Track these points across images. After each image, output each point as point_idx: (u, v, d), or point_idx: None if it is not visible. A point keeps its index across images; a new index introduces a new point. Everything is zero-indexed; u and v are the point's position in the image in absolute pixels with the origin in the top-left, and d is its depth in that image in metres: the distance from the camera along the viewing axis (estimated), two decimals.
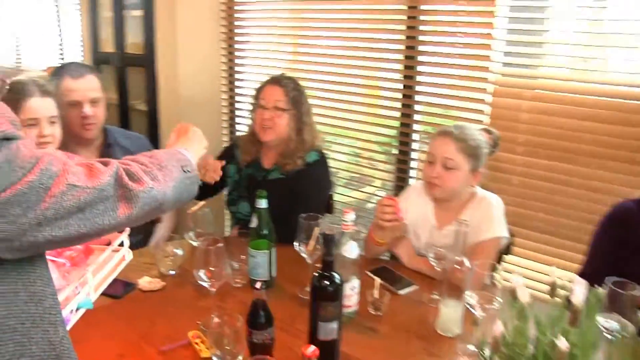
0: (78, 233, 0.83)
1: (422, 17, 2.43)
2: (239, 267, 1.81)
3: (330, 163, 2.89)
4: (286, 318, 1.52)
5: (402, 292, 1.70)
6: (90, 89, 2.11)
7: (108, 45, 3.68)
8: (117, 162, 0.93)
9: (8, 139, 0.78)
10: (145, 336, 1.47)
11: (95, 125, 2.14)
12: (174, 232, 2.30)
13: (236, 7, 3.18)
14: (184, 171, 1.05)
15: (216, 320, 1.37)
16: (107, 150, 2.24)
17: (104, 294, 1.68)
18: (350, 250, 1.48)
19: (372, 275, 1.76)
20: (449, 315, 1.46)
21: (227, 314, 1.35)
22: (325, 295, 1.24)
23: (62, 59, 4.77)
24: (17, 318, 0.85)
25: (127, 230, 1.67)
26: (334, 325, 1.26)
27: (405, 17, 2.48)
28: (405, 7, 2.45)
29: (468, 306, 1.35)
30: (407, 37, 2.50)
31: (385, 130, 2.71)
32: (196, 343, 1.41)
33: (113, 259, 1.57)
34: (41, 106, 1.79)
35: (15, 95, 1.78)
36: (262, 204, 1.71)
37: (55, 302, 0.93)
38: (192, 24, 3.15)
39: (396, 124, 2.64)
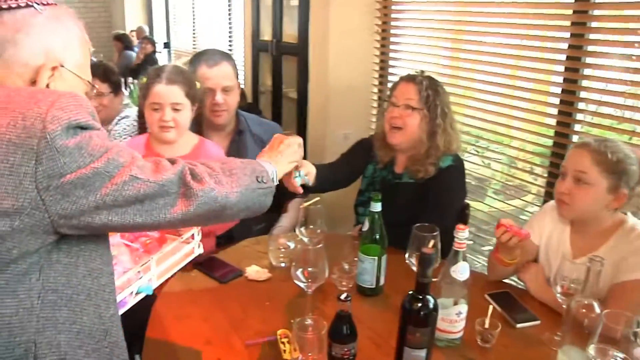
0: (133, 222, 0.90)
1: (594, 12, 2.13)
2: (349, 269, 1.73)
3: (481, 171, 2.72)
4: (383, 332, 1.41)
5: (520, 325, 1.48)
6: (223, 76, 2.17)
7: (267, 34, 3.82)
8: (184, 162, 0.99)
9: (83, 127, 0.84)
10: (236, 326, 1.46)
11: (225, 112, 2.19)
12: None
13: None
14: (258, 181, 1.12)
15: (308, 322, 1.31)
16: (239, 136, 2.29)
17: (210, 276, 1.73)
18: (461, 271, 1.31)
19: (489, 299, 1.57)
20: None
21: (315, 319, 1.29)
22: (415, 319, 1.11)
23: (231, 44, 5.07)
24: (73, 289, 0.91)
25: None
26: (422, 353, 1.12)
27: (570, 12, 2.19)
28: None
29: None
30: (572, 35, 2.20)
31: (540, 139, 2.44)
32: (282, 343, 1.36)
33: (181, 250, 1.57)
34: (165, 93, 1.86)
35: (147, 81, 1.90)
36: (376, 207, 1.60)
37: (110, 281, 0.99)
38: (345, 15, 3.13)
39: (550, 132, 2.35)
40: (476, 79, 2.69)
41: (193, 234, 1.62)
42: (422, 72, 2.05)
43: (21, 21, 0.90)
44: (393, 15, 3.13)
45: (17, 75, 0.92)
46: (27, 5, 0.91)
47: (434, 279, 1.20)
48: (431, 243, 1.46)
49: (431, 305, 1.12)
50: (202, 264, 1.79)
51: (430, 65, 2.89)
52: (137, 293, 1.35)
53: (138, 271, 1.36)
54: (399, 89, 1.99)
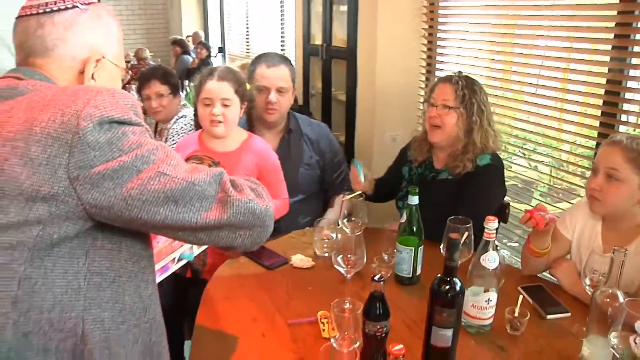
0: (162, 224, 0.95)
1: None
2: (388, 259, 1.83)
3: (528, 173, 2.74)
4: (416, 317, 1.50)
5: (550, 316, 1.54)
6: (279, 78, 2.31)
7: (317, 39, 3.94)
8: (225, 173, 1.03)
9: (118, 122, 0.92)
10: (280, 308, 1.59)
11: (277, 111, 2.33)
12: None
13: (440, 3, 3.15)
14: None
15: (346, 303, 1.42)
16: (288, 134, 2.42)
17: (258, 263, 1.86)
18: (490, 260, 1.39)
19: (522, 290, 1.63)
20: (593, 355, 1.29)
21: (353, 301, 1.39)
22: (442, 300, 1.20)
23: (283, 49, 5.23)
24: (116, 271, 0.99)
25: None
26: (449, 333, 1.21)
27: (615, 13, 2.21)
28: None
29: (612, 349, 1.18)
30: (616, 36, 2.22)
31: (588, 142, 2.46)
32: (322, 323, 1.47)
33: None
34: (216, 88, 2.01)
35: (201, 79, 2.06)
36: (413, 200, 1.69)
37: (150, 264, 1.08)
38: (393, 20, 3.21)
39: (594, 133, 2.37)
40: (522, 82, 2.72)
41: None
42: (460, 72, 2.13)
43: (69, 20, 1.03)
44: (440, 20, 3.19)
45: (67, 67, 1.04)
46: (73, 6, 1.04)
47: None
48: (461, 233, 1.54)
49: (458, 288, 1.20)
50: (251, 252, 1.93)
51: (476, 68, 2.92)
52: (179, 260, 1.46)
53: None
54: (437, 90, 2.09)
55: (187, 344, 2.23)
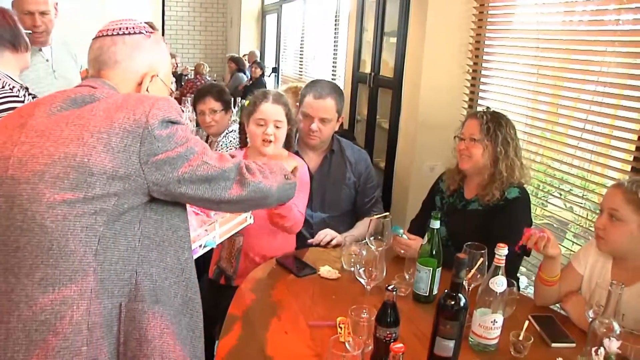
0: (201, 197, 1.23)
1: None
2: (409, 278, 1.96)
3: (563, 214, 2.80)
4: (427, 332, 1.59)
5: (555, 345, 1.63)
6: (323, 109, 2.50)
7: (366, 67, 4.12)
8: (241, 159, 1.34)
9: (173, 122, 1.18)
10: (303, 310, 1.75)
11: (317, 138, 2.52)
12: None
13: (486, 41, 3.28)
14: (285, 178, 1.46)
15: (362, 310, 1.56)
16: (330, 155, 2.60)
17: (288, 270, 2.02)
18: (498, 283, 1.51)
19: (531, 318, 1.73)
20: None
21: (369, 309, 1.54)
22: (446, 313, 1.33)
23: (334, 74, 5.43)
24: (160, 237, 1.23)
25: None
26: (450, 344, 1.34)
27: None
28: None
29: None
30: None
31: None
32: (340, 327, 1.62)
33: (237, 218, 1.89)
34: (270, 111, 2.20)
35: (255, 100, 2.24)
36: (435, 224, 1.83)
37: (186, 234, 1.33)
38: (439, 54, 3.34)
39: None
40: (559, 123, 2.78)
41: None
42: (488, 108, 2.29)
43: (136, 42, 1.31)
44: (485, 57, 3.31)
45: (129, 79, 1.31)
46: (139, 32, 1.32)
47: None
48: (480, 261, 1.67)
49: (462, 303, 1.33)
50: (283, 260, 2.10)
51: (517, 107, 3.01)
52: (205, 246, 1.68)
53: (206, 229, 1.71)
54: (466, 125, 2.27)
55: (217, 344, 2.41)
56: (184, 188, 1.20)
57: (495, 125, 2.18)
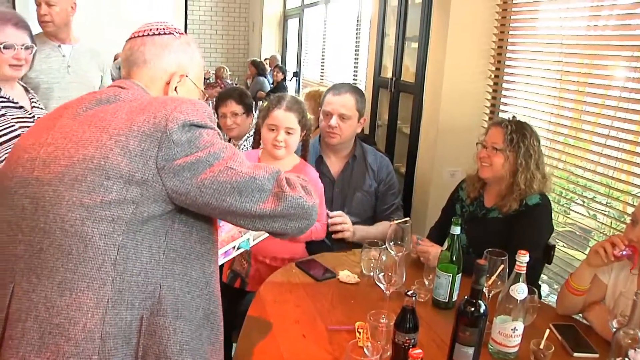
0: (229, 209, 1.16)
1: None
2: (428, 284, 1.95)
3: (586, 222, 2.76)
4: (446, 338, 1.59)
5: (576, 354, 1.61)
6: (342, 105, 2.50)
7: (388, 72, 4.12)
8: (282, 172, 1.25)
9: (197, 126, 1.14)
10: (322, 314, 1.75)
11: (337, 136, 2.51)
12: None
13: (509, 47, 3.26)
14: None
15: (383, 319, 1.56)
16: (352, 160, 2.60)
17: (308, 274, 2.03)
18: (519, 291, 1.50)
19: (552, 327, 1.71)
20: None
21: (388, 314, 1.53)
22: (466, 320, 1.32)
23: (355, 79, 5.44)
24: (187, 250, 1.21)
25: None
26: (470, 351, 1.33)
27: None
28: None
29: None
30: None
31: None
32: (358, 332, 1.61)
33: None
34: (283, 117, 2.21)
35: (269, 105, 2.26)
36: (456, 230, 1.82)
37: (214, 247, 1.29)
38: (460, 60, 3.32)
39: None
40: (583, 129, 2.74)
41: None
42: (514, 117, 2.26)
43: (165, 42, 1.31)
44: (507, 62, 3.29)
45: (158, 78, 1.30)
46: (170, 33, 1.33)
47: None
48: (500, 267, 1.65)
49: (482, 310, 1.32)
50: (303, 264, 2.11)
51: (539, 112, 2.99)
52: (238, 248, 1.68)
53: (240, 230, 1.70)
54: (489, 132, 2.24)
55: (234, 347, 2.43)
56: (207, 197, 1.13)
57: (520, 136, 2.15)
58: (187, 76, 1.34)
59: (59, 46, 2.98)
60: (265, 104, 2.32)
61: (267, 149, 2.27)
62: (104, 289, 1.10)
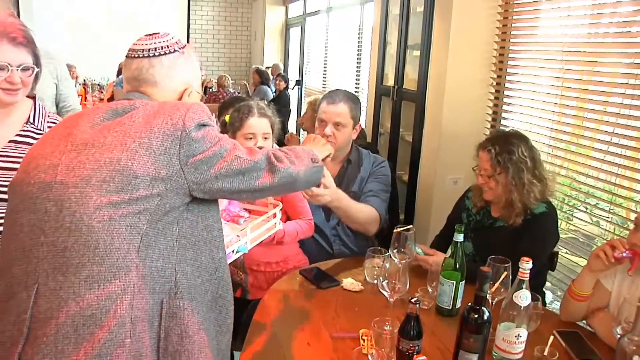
0: (237, 189, 1.31)
1: None
2: (432, 291, 1.95)
3: (589, 228, 2.77)
4: (450, 345, 1.59)
5: None
6: (336, 114, 2.52)
7: (390, 80, 4.14)
8: (269, 149, 1.41)
9: (205, 125, 1.28)
10: (326, 322, 1.76)
11: (332, 144, 2.51)
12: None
13: (510, 55, 3.27)
14: (312, 161, 1.50)
15: (387, 327, 1.57)
16: (347, 164, 2.61)
17: (312, 282, 2.04)
18: (522, 297, 1.50)
19: (556, 334, 1.71)
20: None
21: (392, 322, 1.54)
22: (470, 327, 1.33)
23: (357, 87, 5.46)
24: (196, 237, 1.31)
25: (280, 205, 2.07)
26: (474, 357, 1.33)
27: None
28: None
29: None
30: None
31: None
32: (362, 339, 1.62)
33: (267, 224, 1.95)
34: (257, 125, 2.25)
35: (240, 114, 2.28)
36: (459, 237, 1.83)
37: (220, 234, 1.40)
38: (462, 68, 3.34)
39: None
40: (585, 136, 2.75)
41: (275, 213, 2.01)
42: (498, 131, 2.27)
43: (172, 62, 1.40)
44: (509, 70, 3.30)
45: (167, 96, 1.41)
46: (174, 51, 1.41)
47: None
48: (504, 274, 1.66)
49: (485, 317, 1.33)
50: (307, 272, 2.12)
51: (540, 120, 2.99)
52: (237, 252, 1.73)
53: (237, 235, 1.76)
54: (479, 158, 2.25)
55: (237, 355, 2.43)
56: (220, 183, 1.28)
57: (505, 155, 2.14)
58: (192, 89, 1.47)
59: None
60: (230, 116, 2.35)
61: None
62: (129, 275, 1.18)
